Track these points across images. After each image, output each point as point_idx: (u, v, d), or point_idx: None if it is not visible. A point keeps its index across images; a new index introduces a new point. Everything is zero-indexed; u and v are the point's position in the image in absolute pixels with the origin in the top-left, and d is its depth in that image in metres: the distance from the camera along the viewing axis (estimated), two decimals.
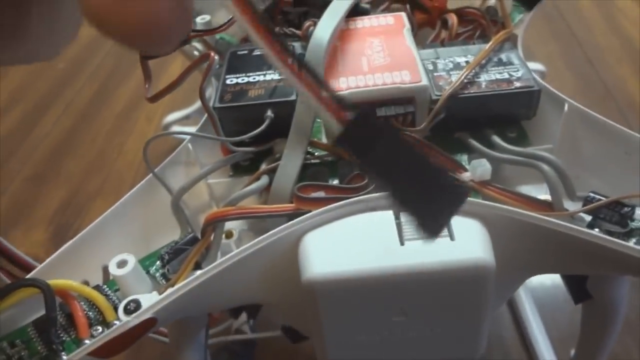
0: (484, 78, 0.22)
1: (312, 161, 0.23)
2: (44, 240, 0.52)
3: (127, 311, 0.17)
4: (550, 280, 0.41)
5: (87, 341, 0.18)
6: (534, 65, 0.51)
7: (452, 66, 0.23)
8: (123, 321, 0.17)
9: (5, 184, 0.58)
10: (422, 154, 0.13)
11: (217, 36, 0.32)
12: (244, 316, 0.36)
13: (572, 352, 0.33)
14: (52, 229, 0.53)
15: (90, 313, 0.19)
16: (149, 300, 0.18)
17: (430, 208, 0.13)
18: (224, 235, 0.22)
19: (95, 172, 0.59)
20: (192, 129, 0.25)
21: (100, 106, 0.69)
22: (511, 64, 0.23)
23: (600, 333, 0.24)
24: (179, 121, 0.56)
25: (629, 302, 0.40)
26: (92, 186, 0.57)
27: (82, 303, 0.19)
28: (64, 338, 0.18)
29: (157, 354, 0.38)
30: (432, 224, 0.14)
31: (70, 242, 0.21)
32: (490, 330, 0.42)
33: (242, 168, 0.23)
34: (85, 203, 0.55)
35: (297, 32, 0.26)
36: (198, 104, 0.55)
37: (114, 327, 0.17)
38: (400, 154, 0.13)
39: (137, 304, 0.18)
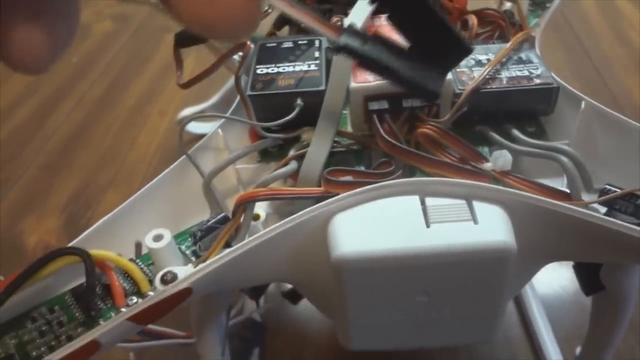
0: (504, 74, 0.23)
1: (338, 149, 0.23)
2: (57, 227, 0.53)
3: (164, 281, 0.18)
4: (557, 281, 0.42)
5: (123, 309, 0.18)
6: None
7: (473, 63, 0.24)
8: (159, 290, 0.18)
9: (19, 172, 0.59)
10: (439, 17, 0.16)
11: None
12: (253, 304, 0.37)
13: (578, 350, 0.33)
14: (64, 217, 0.54)
15: (125, 284, 0.20)
16: (184, 272, 0.19)
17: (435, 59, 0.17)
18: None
19: (107, 165, 0.60)
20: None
21: (113, 100, 0.70)
22: (530, 62, 0.24)
23: (611, 324, 0.25)
24: (195, 115, 0.56)
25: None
26: (104, 178, 0.58)
27: (117, 275, 0.20)
28: (100, 306, 0.19)
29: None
30: (432, 79, 0.17)
31: (105, 217, 0.22)
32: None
33: (270, 154, 0.24)
34: (97, 194, 0.56)
35: None
36: (213, 99, 0.56)
37: (151, 296, 0.17)
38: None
39: (174, 275, 0.18)
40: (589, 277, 0.23)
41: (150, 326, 0.25)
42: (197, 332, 0.23)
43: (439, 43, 0.17)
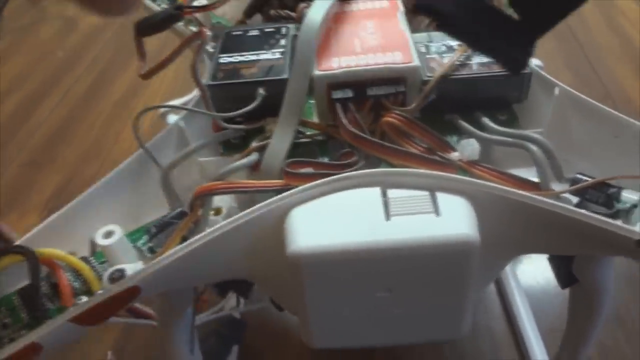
0: (475, 61, 0.22)
1: (303, 140, 0.23)
2: (38, 225, 0.52)
3: (112, 279, 0.18)
4: (541, 273, 0.41)
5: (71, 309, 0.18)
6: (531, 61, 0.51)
7: (444, 49, 0.23)
8: (106, 288, 0.17)
9: (1, 169, 0.58)
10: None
11: (214, 20, 0.32)
12: (233, 301, 0.36)
13: None
14: (46, 214, 0.53)
15: (76, 283, 0.19)
16: (134, 269, 0.18)
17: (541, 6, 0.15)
18: (212, 212, 0.22)
19: (91, 160, 0.59)
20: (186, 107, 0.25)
21: (98, 94, 0.69)
22: None
23: (587, 318, 0.24)
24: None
25: (617, 296, 0.40)
26: (87, 173, 0.57)
27: (68, 274, 0.19)
28: (49, 307, 0.18)
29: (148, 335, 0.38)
30: (538, 25, 0.15)
31: (58, 213, 0.21)
32: (480, 321, 0.42)
33: (233, 146, 0.23)
34: (80, 190, 0.54)
35: (292, 14, 0.26)
36: (195, 92, 0.55)
37: (97, 295, 0.17)
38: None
39: (122, 273, 0.18)
40: (563, 270, 0.23)
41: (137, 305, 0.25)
42: (162, 331, 0.23)
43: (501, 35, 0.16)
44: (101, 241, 0.19)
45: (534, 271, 0.41)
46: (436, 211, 0.18)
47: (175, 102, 0.58)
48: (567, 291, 0.38)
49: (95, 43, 0.78)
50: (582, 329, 0.25)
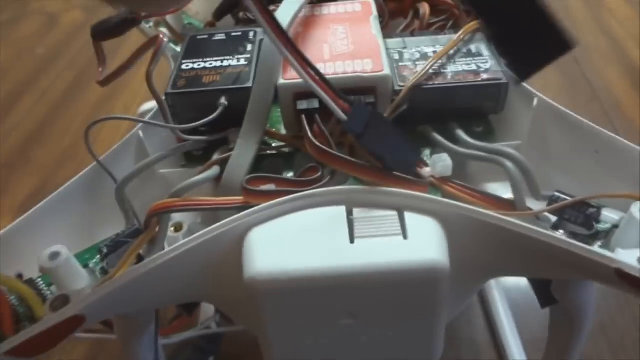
0: (450, 69, 0.21)
1: (268, 152, 0.21)
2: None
3: (54, 308, 0.16)
4: (525, 282, 0.40)
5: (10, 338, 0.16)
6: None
7: (418, 56, 0.22)
8: (45, 318, 0.16)
9: None
10: None
11: (185, 21, 0.31)
12: (210, 311, 0.35)
13: None
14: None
15: (21, 309, 0.18)
16: (81, 295, 0.17)
17: (526, 51, 0.14)
18: (172, 228, 0.21)
19: (67, 162, 0.57)
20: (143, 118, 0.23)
21: (77, 94, 0.67)
22: (480, 55, 0.22)
23: (567, 339, 0.23)
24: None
25: (602, 305, 0.39)
26: (63, 176, 0.55)
27: (13, 298, 0.18)
28: None
29: None
30: (523, 69, 0.15)
31: (5, 230, 0.20)
32: (462, 332, 0.41)
33: (196, 158, 0.22)
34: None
35: None
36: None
37: (36, 324, 0.15)
38: None
39: (66, 300, 0.16)
40: (542, 290, 0.22)
41: None
42: (124, 350, 0.22)
43: (532, 33, 0.14)
44: (45, 263, 0.17)
45: (516, 280, 0.40)
46: (403, 233, 0.17)
47: (152, 103, 0.56)
48: None
49: (76, 41, 0.76)
50: (562, 348, 0.24)
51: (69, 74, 0.71)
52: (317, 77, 0.17)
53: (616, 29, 0.69)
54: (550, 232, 0.16)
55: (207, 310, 0.35)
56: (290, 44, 0.17)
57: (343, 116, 0.17)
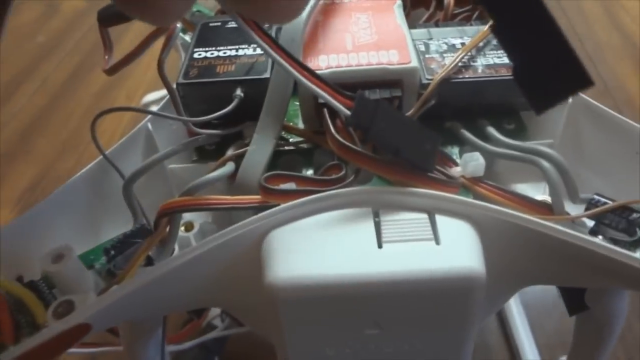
0: (480, 62, 0.20)
1: (285, 148, 0.20)
2: (9, 221, 0.49)
3: (57, 314, 0.15)
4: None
5: (12, 348, 0.15)
6: None
7: (445, 48, 0.21)
8: (50, 326, 0.15)
9: None
10: (561, 31, 0.13)
11: (195, 8, 0.29)
12: (216, 309, 0.34)
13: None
14: (18, 209, 0.50)
15: (21, 316, 0.16)
16: (85, 301, 0.15)
17: (545, 84, 0.14)
18: (183, 228, 0.20)
19: (68, 153, 0.56)
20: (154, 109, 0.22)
21: (78, 83, 0.66)
22: None
23: (594, 346, 0.22)
24: (159, 101, 0.53)
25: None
26: (64, 167, 0.54)
27: (12, 302, 0.17)
28: None
29: None
30: (540, 102, 0.14)
31: (4, 228, 0.18)
32: (476, 336, 0.39)
33: (208, 153, 0.21)
34: (56, 184, 0.52)
35: None
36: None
37: (39, 333, 0.14)
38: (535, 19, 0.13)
39: (70, 306, 0.15)
40: (573, 296, 0.20)
41: None
42: (129, 357, 0.20)
43: (551, 65, 0.14)
44: (48, 266, 0.16)
45: None
46: (435, 238, 0.15)
47: (157, 94, 0.55)
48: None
49: (77, 29, 0.75)
50: (588, 355, 0.23)
51: (70, 62, 0.69)
52: (311, 76, 0.16)
53: (629, 25, 0.68)
54: (594, 239, 0.15)
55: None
56: (274, 44, 0.16)
57: (346, 112, 0.16)
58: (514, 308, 0.37)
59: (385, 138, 0.16)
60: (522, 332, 0.35)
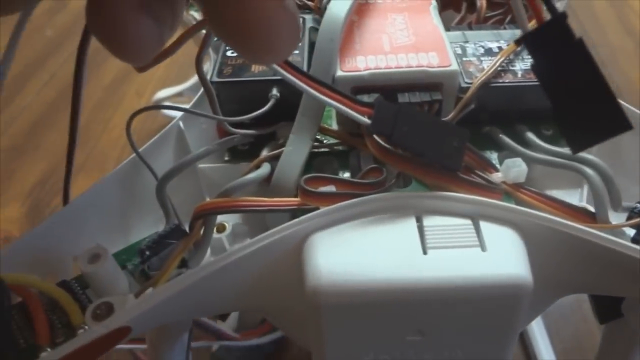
0: (519, 67, 0.20)
1: (320, 150, 0.20)
2: (19, 216, 0.49)
3: (96, 316, 0.15)
4: None
5: (48, 349, 0.15)
6: None
7: (482, 51, 0.21)
8: (90, 329, 0.14)
9: None
10: (602, 74, 0.14)
11: None
12: None
13: None
14: (28, 204, 0.50)
15: (55, 316, 0.16)
16: (123, 303, 0.15)
17: (584, 125, 0.15)
18: (215, 229, 0.19)
19: (78, 147, 0.55)
20: (186, 107, 0.22)
21: (88, 78, 0.65)
22: None
23: (624, 356, 0.22)
24: (171, 98, 0.52)
25: None
26: (75, 162, 0.54)
27: (46, 302, 0.16)
28: (21, 342, 0.16)
29: None
30: (577, 142, 0.15)
31: (36, 228, 0.18)
32: None
33: (241, 153, 0.20)
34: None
35: (310, 3, 0.23)
36: (192, 80, 0.52)
37: (78, 336, 0.14)
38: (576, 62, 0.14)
39: (110, 308, 0.15)
40: (607, 303, 0.20)
41: None
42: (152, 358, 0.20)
43: (591, 107, 0.15)
44: (85, 267, 0.16)
45: None
46: (481, 245, 0.15)
47: (169, 91, 0.55)
48: (584, 309, 0.36)
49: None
50: None
51: None
52: (324, 89, 0.16)
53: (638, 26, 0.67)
54: (638, 247, 0.15)
55: None
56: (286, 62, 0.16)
57: (367, 121, 0.16)
58: None
59: (409, 141, 0.16)
60: (539, 337, 0.35)
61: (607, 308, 0.21)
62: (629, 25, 0.68)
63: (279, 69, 0.16)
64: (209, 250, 0.19)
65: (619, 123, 0.15)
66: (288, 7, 0.09)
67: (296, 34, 0.10)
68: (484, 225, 0.16)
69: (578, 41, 0.14)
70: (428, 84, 0.19)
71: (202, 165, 0.21)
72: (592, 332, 0.36)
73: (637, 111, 0.20)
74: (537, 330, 0.35)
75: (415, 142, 0.16)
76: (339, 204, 0.16)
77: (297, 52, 0.21)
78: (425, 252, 0.15)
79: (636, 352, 0.21)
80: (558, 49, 0.15)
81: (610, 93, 0.14)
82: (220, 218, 0.20)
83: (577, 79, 0.15)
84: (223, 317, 0.22)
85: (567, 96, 0.15)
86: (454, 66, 0.19)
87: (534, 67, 0.15)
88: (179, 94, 0.52)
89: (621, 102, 0.18)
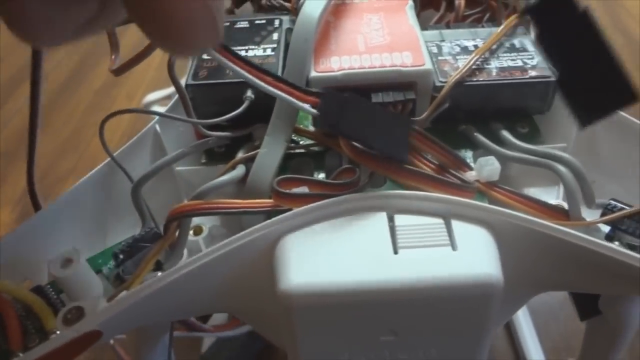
0: (494, 65, 0.20)
1: (296, 151, 0.20)
2: (10, 222, 0.49)
3: (67, 321, 0.15)
4: None
5: (20, 354, 0.15)
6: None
7: (458, 50, 0.21)
8: (61, 333, 0.14)
9: None
10: (609, 44, 0.14)
11: None
12: None
13: None
14: (19, 209, 0.50)
15: (29, 321, 0.16)
16: (95, 307, 0.15)
17: (590, 97, 0.14)
18: (192, 232, 0.19)
19: (68, 153, 0.55)
20: (161, 110, 0.22)
21: (79, 82, 0.65)
22: (525, 50, 0.20)
23: (605, 352, 0.22)
24: (160, 101, 0.52)
25: None
26: (64, 166, 0.54)
27: (19, 307, 0.16)
28: None
29: None
30: (585, 116, 0.15)
31: (12, 232, 0.18)
32: None
33: (217, 155, 0.20)
34: (56, 184, 0.52)
35: (286, 4, 0.23)
36: (182, 82, 0.52)
37: (49, 340, 0.14)
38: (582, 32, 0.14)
39: (80, 312, 0.15)
40: (586, 301, 0.20)
41: None
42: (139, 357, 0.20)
43: (597, 79, 0.14)
44: (57, 271, 0.16)
45: None
46: (452, 244, 0.15)
47: (158, 94, 0.55)
48: (572, 308, 0.36)
49: None
50: None
51: (70, 61, 0.69)
52: (269, 78, 0.16)
53: (633, 28, 0.67)
54: (611, 245, 0.15)
55: None
56: (228, 51, 0.16)
57: (314, 111, 0.16)
58: (520, 312, 0.36)
59: (355, 131, 0.16)
60: (528, 335, 0.35)
61: (586, 305, 0.21)
62: (620, 23, 0.68)
63: (223, 59, 0.16)
64: (185, 253, 0.19)
65: (626, 95, 0.14)
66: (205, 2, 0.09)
67: (211, 27, 0.10)
68: (455, 224, 0.16)
69: (583, 11, 0.14)
70: (402, 83, 0.19)
71: (179, 168, 0.21)
72: (580, 330, 0.36)
73: (637, 121, 0.19)
74: (526, 329, 0.35)
75: (361, 131, 0.16)
76: (311, 205, 0.16)
77: (272, 53, 0.21)
78: (396, 252, 0.15)
79: (617, 349, 0.21)
80: (563, 19, 0.14)
81: (617, 64, 0.14)
82: (197, 220, 0.20)
83: (583, 50, 0.14)
84: (204, 318, 0.22)
85: (572, 68, 0.15)
86: (428, 65, 0.19)
87: (539, 39, 0.15)
88: (168, 97, 0.52)
89: (638, 121, 0.19)
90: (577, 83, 0.15)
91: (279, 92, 0.16)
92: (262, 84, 0.16)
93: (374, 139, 0.16)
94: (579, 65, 0.14)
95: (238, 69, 0.16)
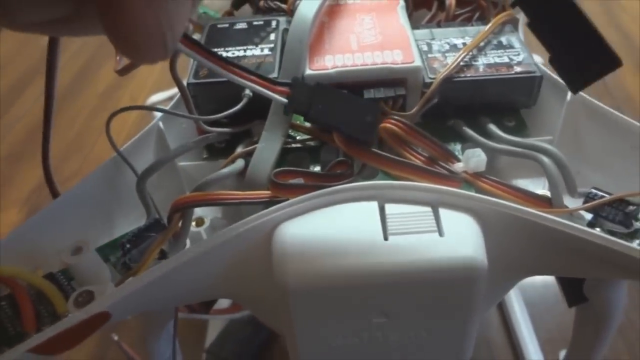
0: (481, 61, 0.21)
1: (293, 145, 0.21)
2: (18, 221, 0.50)
3: (78, 303, 0.16)
4: (541, 279, 0.40)
5: (34, 336, 0.16)
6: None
7: (448, 48, 0.22)
8: (72, 315, 0.15)
9: None
10: (590, 21, 0.16)
11: (201, 10, 0.30)
12: None
13: (561, 354, 0.32)
14: (26, 210, 0.51)
15: (42, 306, 0.17)
16: (104, 291, 0.16)
17: (579, 67, 0.17)
18: (194, 223, 0.20)
19: (73, 154, 0.57)
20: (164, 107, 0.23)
21: (83, 84, 0.67)
22: (511, 47, 0.21)
23: (594, 337, 0.23)
24: (164, 102, 0.53)
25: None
26: (69, 168, 0.55)
27: (33, 293, 0.17)
28: (10, 330, 0.16)
29: None
30: (576, 83, 0.17)
31: (24, 224, 0.19)
32: (478, 331, 0.40)
33: (218, 150, 0.21)
34: (62, 185, 0.53)
35: (283, 6, 0.24)
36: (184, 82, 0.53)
37: (61, 321, 0.15)
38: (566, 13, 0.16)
39: (90, 296, 0.16)
40: (572, 288, 0.21)
41: None
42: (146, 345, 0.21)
43: (583, 51, 0.17)
44: (68, 258, 0.17)
45: (532, 279, 0.40)
46: (439, 230, 0.16)
47: (162, 95, 0.56)
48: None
49: None
50: (588, 346, 0.23)
51: (74, 65, 0.70)
52: (240, 71, 0.18)
53: (628, 24, 0.68)
54: (592, 230, 0.16)
55: None
56: (196, 44, 0.17)
57: (284, 100, 0.18)
58: (516, 304, 0.37)
59: (325, 118, 0.18)
60: (524, 327, 0.36)
61: (573, 292, 0.22)
62: (615, 20, 0.69)
63: (194, 54, 0.17)
64: (188, 243, 0.20)
65: (608, 61, 0.16)
66: (146, 19, 0.10)
67: (161, 44, 0.11)
68: (443, 212, 0.16)
69: None
70: (392, 79, 0.20)
71: (182, 164, 0.22)
72: None
73: (620, 115, 0.20)
74: (522, 321, 0.36)
75: (331, 118, 0.18)
76: (306, 195, 0.17)
77: (270, 53, 0.22)
78: (386, 238, 0.16)
79: (604, 335, 0.22)
80: (548, 5, 0.16)
81: (600, 37, 0.16)
82: (199, 212, 0.21)
83: (569, 29, 0.16)
84: (206, 308, 0.23)
85: (561, 45, 0.17)
86: (417, 62, 0.20)
87: (531, 26, 0.17)
88: (171, 98, 0.53)
89: (621, 114, 0.20)
90: (567, 58, 0.17)
91: (250, 84, 0.17)
92: (235, 77, 0.17)
93: (341, 123, 0.17)
94: (567, 42, 0.17)
95: (211, 64, 0.17)
